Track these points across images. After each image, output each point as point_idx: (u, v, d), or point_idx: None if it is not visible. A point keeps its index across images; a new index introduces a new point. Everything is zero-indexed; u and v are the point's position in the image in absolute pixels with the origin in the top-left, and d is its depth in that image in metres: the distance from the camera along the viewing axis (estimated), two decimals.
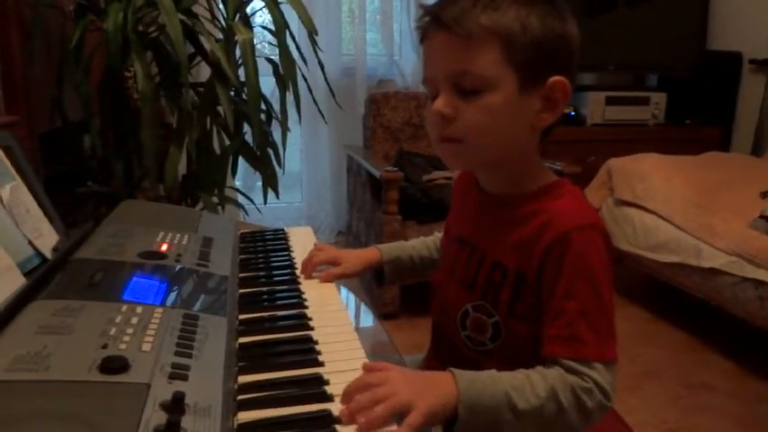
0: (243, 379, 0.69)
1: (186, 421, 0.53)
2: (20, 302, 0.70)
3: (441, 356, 0.96)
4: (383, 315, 2.55)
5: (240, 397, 0.65)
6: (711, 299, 2.31)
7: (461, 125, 0.79)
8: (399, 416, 0.65)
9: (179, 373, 0.60)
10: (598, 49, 3.28)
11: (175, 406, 0.54)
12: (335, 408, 0.64)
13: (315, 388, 0.68)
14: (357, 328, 0.87)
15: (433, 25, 0.80)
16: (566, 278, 0.76)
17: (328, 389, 0.67)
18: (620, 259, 2.69)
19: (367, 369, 0.70)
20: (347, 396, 0.65)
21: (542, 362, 0.76)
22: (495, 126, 0.79)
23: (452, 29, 0.76)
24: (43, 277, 0.79)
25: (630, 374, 2.21)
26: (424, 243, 1.12)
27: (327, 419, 0.62)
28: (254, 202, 2.19)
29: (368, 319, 1.19)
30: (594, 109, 3.26)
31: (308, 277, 1.01)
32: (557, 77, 0.79)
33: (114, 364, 0.58)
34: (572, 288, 0.76)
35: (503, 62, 0.77)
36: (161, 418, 0.53)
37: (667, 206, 2.51)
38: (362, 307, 1.18)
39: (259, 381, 0.69)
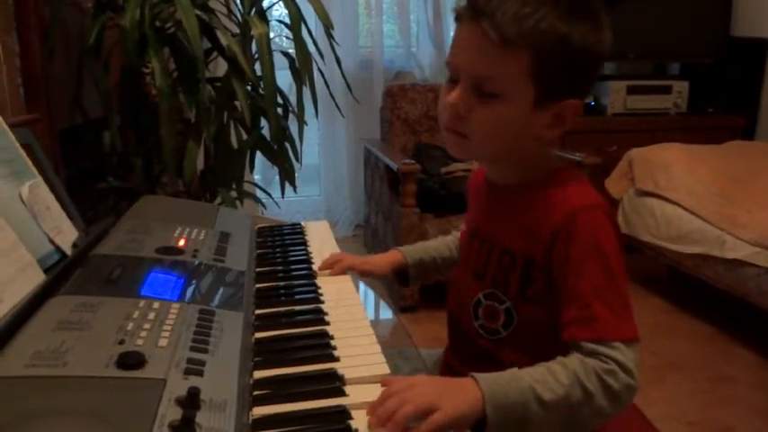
0: (258, 374, 0.69)
1: (201, 416, 0.54)
2: (39, 298, 0.71)
3: (457, 349, 0.97)
4: (402, 309, 2.55)
5: (255, 392, 0.66)
6: (734, 290, 2.28)
7: (469, 124, 0.80)
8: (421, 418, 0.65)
9: (195, 369, 0.61)
10: (619, 38, 3.14)
11: (191, 401, 0.55)
12: (350, 403, 0.65)
13: (330, 383, 0.68)
14: (376, 322, 0.87)
15: (470, 16, 0.78)
16: (576, 259, 0.77)
17: (343, 384, 0.68)
18: (634, 247, 2.66)
19: (387, 383, 0.69)
20: (374, 407, 0.65)
21: (560, 347, 0.76)
22: (500, 133, 0.80)
23: (488, 30, 0.75)
24: (62, 273, 0.79)
25: (652, 367, 2.19)
26: (444, 242, 1.12)
27: (342, 415, 0.63)
28: (272, 196, 2.20)
29: (386, 313, 1.19)
30: (615, 98, 3.21)
31: (326, 268, 1.02)
32: (573, 101, 0.79)
33: (131, 360, 0.59)
34: (583, 268, 0.76)
35: (527, 76, 0.76)
36: (176, 413, 0.53)
37: (690, 196, 2.47)
38: (381, 301, 1.19)
39: (274, 376, 0.69)
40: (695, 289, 2.66)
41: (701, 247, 2.36)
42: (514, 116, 0.79)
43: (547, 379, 0.71)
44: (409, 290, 2.56)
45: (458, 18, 0.81)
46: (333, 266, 1.03)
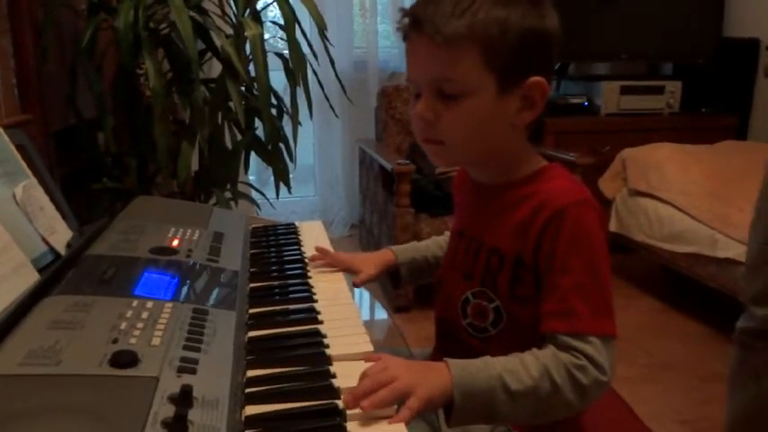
0: (251, 372, 0.70)
1: (194, 414, 0.54)
2: (33, 298, 0.71)
3: (445, 349, 0.96)
4: (396, 308, 2.56)
5: (248, 390, 0.66)
6: (727, 289, 2.29)
7: (442, 128, 0.81)
8: (398, 402, 0.67)
9: (187, 367, 0.61)
10: (612, 38, 3.25)
11: (183, 399, 0.55)
12: (342, 401, 0.65)
13: (322, 381, 0.68)
14: (370, 323, 0.88)
15: (412, 29, 0.80)
16: (562, 253, 0.78)
17: (335, 382, 0.68)
18: (627, 247, 2.68)
19: (367, 359, 0.73)
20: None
21: (541, 340, 0.77)
22: (474, 129, 0.81)
23: (432, 35, 0.77)
24: (56, 273, 0.80)
25: (645, 366, 2.20)
26: (436, 242, 1.12)
27: (333, 412, 0.63)
28: (266, 196, 2.20)
29: (381, 314, 1.20)
30: (608, 99, 3.23)
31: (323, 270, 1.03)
32: (535, 78, 0.80)
33: (124, 359, 0.59)
34: (568, 263, 0.77)
35: (482, 67, 0.78)
36: (169, 410, 0.53)
37: (682, 196, 2.49)
38: (376, 302, 1.19)
39: (267, 374, 0.70)
40: (688, 288, 2.67)
41: (693, 246, 2.37)
42: (483, 109, 0.79)
43: (517, 369, 0.73)
44: (404, 289, 2.57)
45: (405, 36, 0.83)
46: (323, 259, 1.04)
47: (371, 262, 1.06)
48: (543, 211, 0.80)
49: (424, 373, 0.71)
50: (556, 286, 0.78)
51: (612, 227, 2.79)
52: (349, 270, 1.04)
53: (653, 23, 3.24)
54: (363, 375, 0.68)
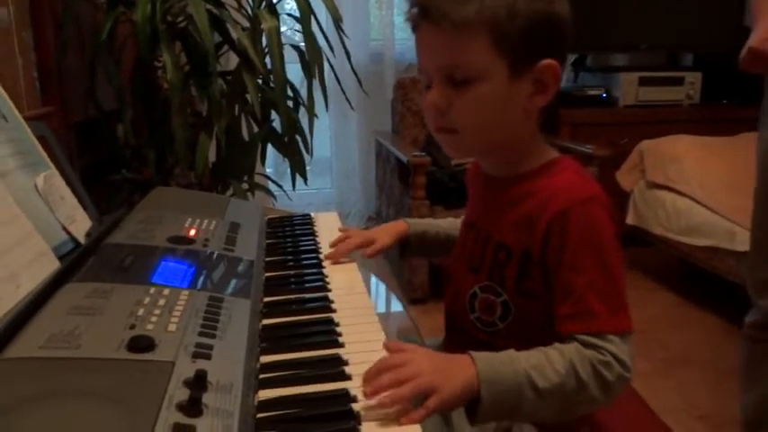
0: (265, 359, 0.71)
1: (208, 397, 0.55)
2: (54, 285, 0.73)
3: (454, 342, 0.96)
4: (412, 300, 2.57)
5: (262, 376, 0.68)
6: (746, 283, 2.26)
7: (455, 116, 0.80)
8: (418, 398, 0.66)
9: (203, 353, 0.62)
10: (630, 28, 3.21)
11: (198, 383, 0.56)
12: (354, 387, 0.66)
13: (334, 368, 0.69)
14: (386, 314, 0.88)
15: (421, 17, 0.80)
16: (570, 252, 0.77)
17: (347, 369, 0.69)
18: (645, 240, 2.66)
19: (389, 349, 0.71)
20: (370, 376, 0.66)
21: (555, 339, 0.77)
22: (487, 115, 0.80)
23: (440, 22, 0.77)
24: (76, 261, 0.82)
25: (663, 359, 2.19)
26: (452, 223, 1.13)
27: (345, 398, 0.64)
28: (283, 188, 2.22)
29: (397, 306, 1.21)
30: (627, 90, 3.19)
31: (338, 262, 1.04)
32: (546, 61, 0.79)
33: (141, 344, 0.61)
34: (577, 261, 0.77)
35: (492, 51, 0.77)
36: (184, 394, 0.55)
37: (701, 189, 2.46)
38: (392, 294, 1.20)
39: (280, 360, 0.71)
40: (706, 282, 2.65)
41: (711, 239, 2.35)
42: (495, 94, 0.78)
43: (543, 365, 0.72)
44: (419, 282, 2.58)
45: (414, 27, 0.83)
46: (339, 247, 1.06)
47: (386, 232, 1.10)
48: (549, 208, 0.79)
49: (448, 368, 0.70)
50: (569, 288, 0.77)
51: (630, 219, 2.77)
52: (366, 243, 1.07)
53: (672, 13, 3.19)
54: (384, 367, 0.67)
